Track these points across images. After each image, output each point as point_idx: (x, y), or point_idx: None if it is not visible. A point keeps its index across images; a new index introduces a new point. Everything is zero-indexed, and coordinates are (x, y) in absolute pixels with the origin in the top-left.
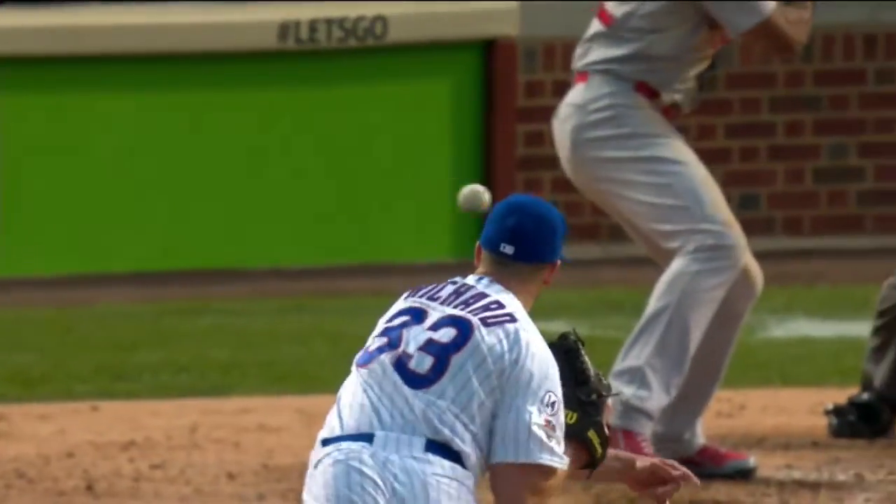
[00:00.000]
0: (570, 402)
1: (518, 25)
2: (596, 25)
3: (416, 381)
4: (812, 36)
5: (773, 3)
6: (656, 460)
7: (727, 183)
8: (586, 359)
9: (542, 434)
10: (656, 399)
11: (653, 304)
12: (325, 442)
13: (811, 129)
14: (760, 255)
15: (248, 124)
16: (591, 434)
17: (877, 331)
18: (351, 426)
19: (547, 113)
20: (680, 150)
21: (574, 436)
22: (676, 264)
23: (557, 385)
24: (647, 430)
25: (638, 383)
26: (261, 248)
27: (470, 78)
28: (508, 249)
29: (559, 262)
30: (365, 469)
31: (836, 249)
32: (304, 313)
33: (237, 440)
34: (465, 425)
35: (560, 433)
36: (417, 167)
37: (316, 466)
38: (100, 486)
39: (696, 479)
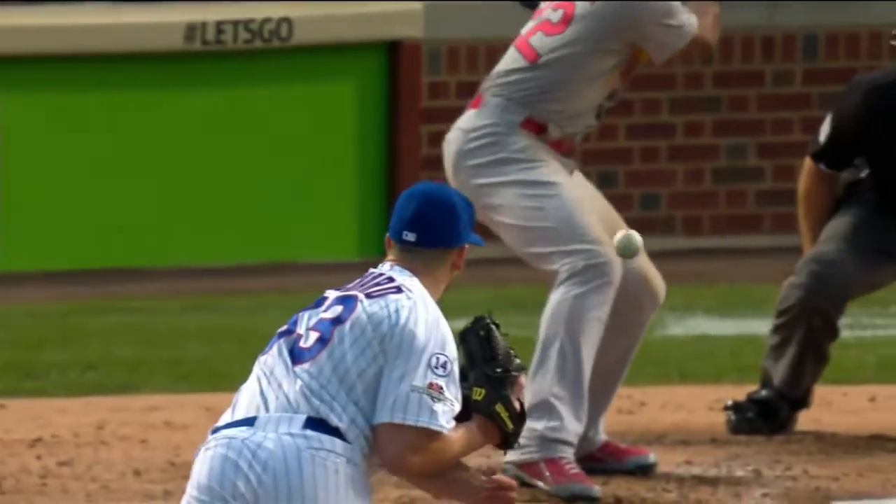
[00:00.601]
0: (479, 379)
1: (422, 27)
2: (513, 55)
3: (301, 355)
4: (731, 39)
5: (693, 17)
6: (494, 484)
7: (628, 183)
8: (498, 337)
9: (424, 396)
10: (570, 426)
11: (542, 334)
12: (213, 431)
13: (710, 129)
14: (660, 255)
15: (153, 125)
16: (499, 408)
17: (776, 329)
18: (240, 414)
19: (451, 114)
20: (553, 174)
21: (482, 411)
22: (556, 294)
23: (448, 350)
24: (568, 453)
25: (547, 416)
26: (167, 246)
27: (375, 79)
28: (411, 237)
29: (467, 246)
30: (230, 454)
31: (735, 248)
32: (211, 311)
33: (144, 437)
34: (346, 398)
35: (451, 396)
36: (323, 167)
37: (197, 455)
38: (7, 483)
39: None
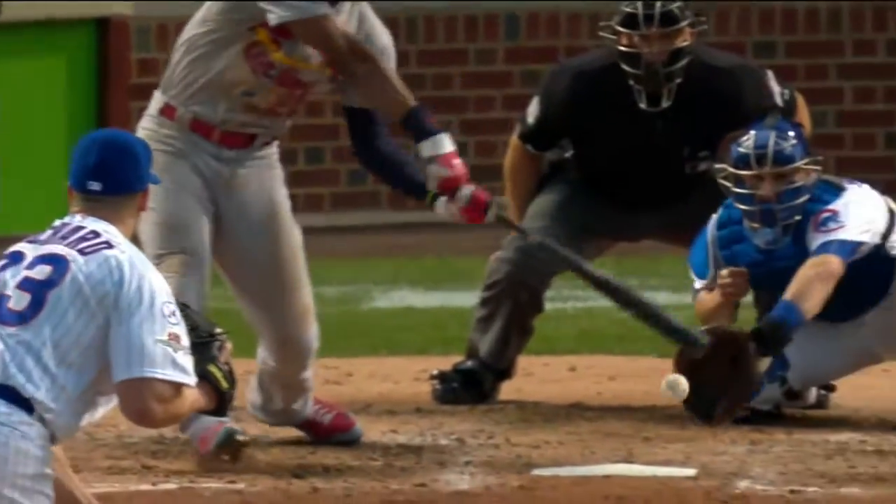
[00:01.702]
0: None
1: (132, 5)
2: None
3: (13, 318)
4: (414, 17)
5: (329, 9)
6: None
7: (334, 159)
8: (190, 312)
9: (167, 348)
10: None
11: None
12: None
13: None
14: (367, 228)
15: None
16: (212, 368)
17: (484, 302)
18: None
19: None
20: (160, 195)
21: (197, 374)
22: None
23: (171, 297)
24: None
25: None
26: None
27: (84, 55)
28: (96, 186)
29: (149, 186)
30: None
31: (440, 223)
32: None
33: None
34: (56, 364)
35: (186, 344)
36: (32, 143)
37: None
38: None
39: None
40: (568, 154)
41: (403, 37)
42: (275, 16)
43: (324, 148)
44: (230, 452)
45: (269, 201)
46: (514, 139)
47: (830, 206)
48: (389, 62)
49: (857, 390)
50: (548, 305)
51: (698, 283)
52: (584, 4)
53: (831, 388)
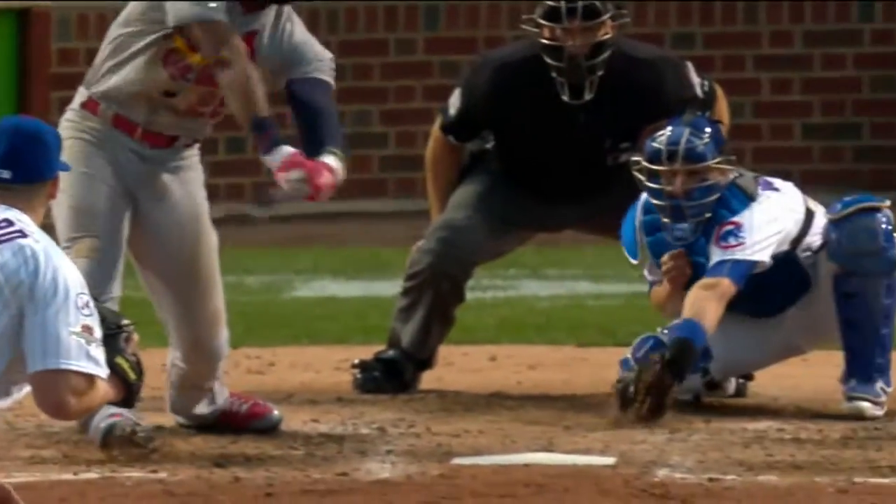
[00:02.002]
0: None
1: None
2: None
3: None
4: (335, 9)
5: (222, 13)
6: None
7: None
8: (98, 303)
9: (80, 340)
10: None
11: None
12: None
13: (335, 97)
14: (285, 219)
15: None
16: (120, 360)
17: (406, 292)
18: None
19: (81, 80)
20: (75, 180)
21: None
22: None
23: (84, 288)
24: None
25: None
26: None
27: (5, 45)
28: (6, 174)
29: (64, 172)
30: None
31: (360, 212)
32: None
33: None
34: None
35: (98, 336)
36: None
37: None
38: None
39: None
40: (489, 145)
41: (324, 28)
42: (171, 17)
43: (244, 138)
44: (117, 446)
45: (189, 203)
46: (435, 130)
47: (735, 218)
48: (321, 74)
49: (775, 379)
50: (469, 295)
51: (649, 276)
52: None
53: (749, 377)
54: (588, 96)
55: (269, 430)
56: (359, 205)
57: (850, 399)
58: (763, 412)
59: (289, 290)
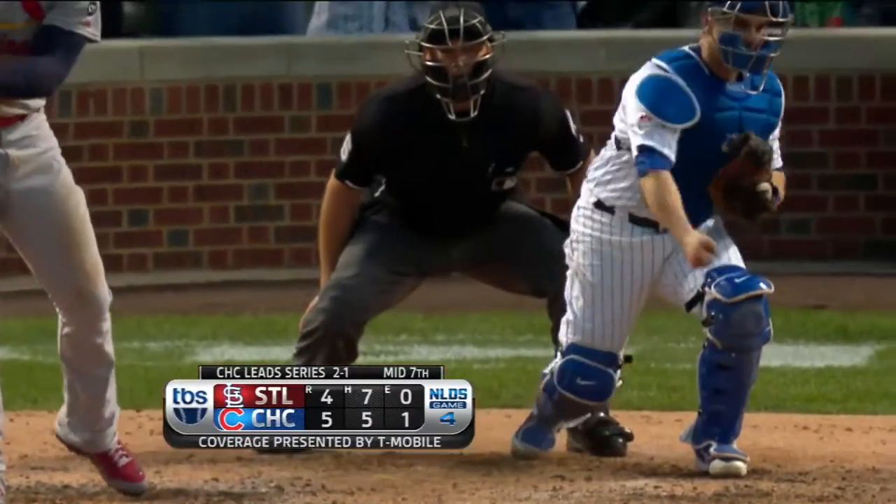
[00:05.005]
0: None
1: None
2: None
3: None
4: (233, 86)
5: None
6: None
7: (160, 220)
8: None
9: None
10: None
11: None
12: None
13: (234, 171)
14: (189, 287)
15: None
16: None
17: (301, 352)
18: None
19: None
20: None
21: None
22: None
23: None
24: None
25: None
26: None
27: None
28: None
29: None
30: None
31: (257, 281)
32: None
33: None
34: None
35: None
36: None
37: None
38: None
39: None
40: (378, 192)
41: (222, 105)
42: None
43: (147, 210)
44: None
45: (47, 168)
46: (331, 182)
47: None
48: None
49: (652, 439)
50: (361, 360)
51: (656, 145)
52: (391, 73)
53: (629, 437)
54: (473, 114)
55: (130, 494)
56: (256, 273)
57: (725, 459)
58: (641, 470)
59: (190, 355)
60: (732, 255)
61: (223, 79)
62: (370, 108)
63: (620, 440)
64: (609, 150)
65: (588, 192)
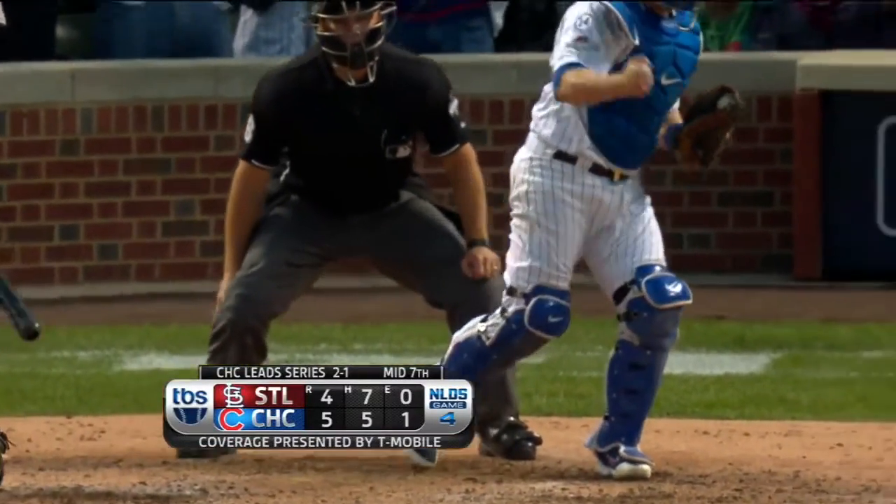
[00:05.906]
0: None
1: None
2: None
3: None
4: (160, 107)
5: None
6: None
7: (91, 235)
8: None
9: None
10: None
11: None
12: None
13: (161, 188)
14: (117, 299)
15: None
16: None
17: (213, 354)
18: None
19: None
20: None
21: None
22: None
23: None
24: None
25: None
26: None
27: None
28: None
29: None
30: None
31: (183, 293)
32: None
33: None
34: None
35: None
36: None
37: None
38: None
39: None
40: (283, 177)
41: (150, 125)
42: None
43: (78, 225)
44: None
45: None
46: (239, 166)
47: None
48: None
49: (559, 444)
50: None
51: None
52: None
53: (538, 441)
54: (371, 79)
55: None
56: (182, 286)
57: (632, 462)
58: (549, 473)
59: (118, 364)
60: (656, 244)
61: (151, 100)
62: (265, 86)
63: (530, 444)
64: (548, 88)
65: (539, 143)
